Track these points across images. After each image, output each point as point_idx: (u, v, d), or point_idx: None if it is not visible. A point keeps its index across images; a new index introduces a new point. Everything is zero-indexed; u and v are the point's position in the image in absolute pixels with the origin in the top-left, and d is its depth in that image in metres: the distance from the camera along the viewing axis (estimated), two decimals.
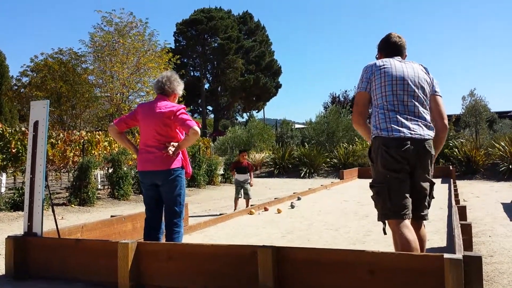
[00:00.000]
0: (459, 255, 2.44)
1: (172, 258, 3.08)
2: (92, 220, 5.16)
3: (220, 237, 5.26)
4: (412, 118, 2.82)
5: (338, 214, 7.06)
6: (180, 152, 3.68)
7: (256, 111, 50.20)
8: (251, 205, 7.71)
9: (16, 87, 19.53)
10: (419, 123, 2.82)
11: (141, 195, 9.51)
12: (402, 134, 2.75)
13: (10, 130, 8.64)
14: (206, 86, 47.24)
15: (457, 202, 6.43)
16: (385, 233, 2.84)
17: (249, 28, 49.13)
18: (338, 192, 11.07)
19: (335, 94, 38.49)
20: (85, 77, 17.92)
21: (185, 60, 43.26)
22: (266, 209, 7.61)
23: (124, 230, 4.65)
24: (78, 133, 10.77)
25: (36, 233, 3.56)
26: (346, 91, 38.07)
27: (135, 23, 18.27)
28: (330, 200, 9.17)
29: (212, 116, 50.91)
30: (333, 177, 16.98)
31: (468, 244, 4.02)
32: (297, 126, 31.27)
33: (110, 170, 10.62)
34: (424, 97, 2.91)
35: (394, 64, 2.93)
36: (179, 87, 3.85)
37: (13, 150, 8.39)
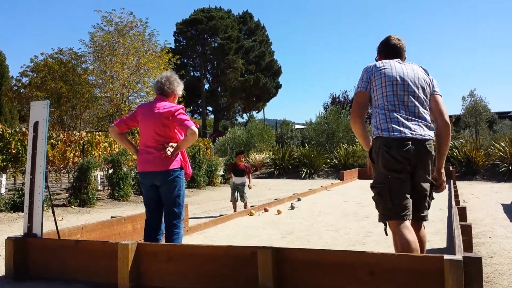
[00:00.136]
0: (459, 256, 2.44)
1: (172, 259, 3.08)
2: (92, 221, 5.16)
3: (220, 238, 5.25)
4: (413, 118, 2.82)
5: (338, 215, 7.06)
6: (179, 152, 3.68)
7: (256, 111, 50.24)
8: (251, 206, 7.70)
9: (16, 88, 19.54)
10: (420, 124, 2.83)
11: (141, 196, 9.51)
12: (403, 134, 2.76)
13: (10, 131, 8.64)
14: (206, 86, 47.24)
15: (457, 203, 6.43)
16: (386, 234, 2.85)
17: (249, 28, 49.14)
18: (338, 193, 11.07)
19: (335, 94, 38.49)
20: (85, 78, 17.92)
21: (185, 60, 43.27)
22: (266, 210, 7.60)
23: (124, 231, 4.65)
24: (78, 133, 10.76)
25: (36, 234, 3.56)
26: (346, 92, 38.06)
27: (135, 23, 18.25)
28: (330, 201, 9.17)
29: (212, 116, 50.91)
30: (333, 178, 16.97)
31: (468, 245, 4.03)
32: (297, 126, 31.28)
33: (110, 171, 10.62)
34: (425, 97, 2.92)
35: (394, 65, 2.95)
36: (179, 88, 3.85)
37: (13, 151, 8.39)
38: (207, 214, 7.83)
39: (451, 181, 11.30)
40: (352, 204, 8.43)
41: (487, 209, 7.66)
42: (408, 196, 2.77)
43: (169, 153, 3.55)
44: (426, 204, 2.92)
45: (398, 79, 2.88)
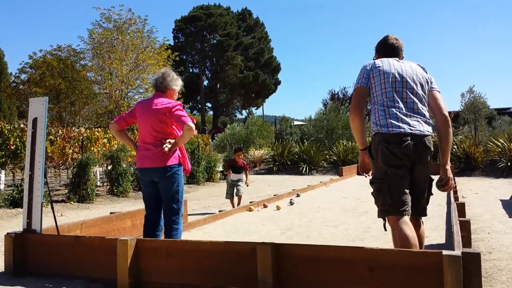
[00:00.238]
0: (458, 251, 2.44)
1: (171, 255, 3.08)
2: (91, 217, 5.16)
3: (219, 234, 5.26)
4: (412, 114, 2.83)
5: (337, 211, 7.07)
6: (178, 149, 3.68)
7: (255, 108, 50.20)
8: (250, 202, 7.71)
9: (15, 84, 19.49)
10: (419, 119, 2.84)
11: (140, 192, 9.52)
12: (402, 130, 2.77)
13: (9, 127, 8.63)
14: (205, 83, 47.15)
15: (456, 198, 6.44)
16: (385, 229, 2.86)
17: (248, 24, 49.02)
18: (337, 189, 11.08)
19: (334, 91, 38.47)
20: (84, 74, 17.88)
21: (184, 57, 43.18)
22: (265, 206, 7.61)
23: (123, 227, 4.65)
24: (77, 130, 10.75)
25: (35, 230, 3.56)
26: (345, 88, 38.03)
27: (134, 20, 18.21)
28: (329, 197, 9.18)
29: (211, 113, 50.84)
30: (332, 174, 16.98)
31: (466, 240, 4.03)
32: (296, 123, 31.31)
33: (109, 167, 10.61)
34: (423, 94, 2.93)
35: (392, 62, 2.98)
36: (173, 82, 3.84)
37: (12, 147, 8.38)
38: (206, 210, 7.84)
39: None
40: (351, 200, 8.45)
41: (486, 205, 7.67)
42: (407, 191, 2.78)
43: (166, 149, 3.55)
44: (425, 200, 2.93)
45: (397, 75, 2.90)
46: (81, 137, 10.27)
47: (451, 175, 2.94)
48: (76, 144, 10.12)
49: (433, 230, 5.19)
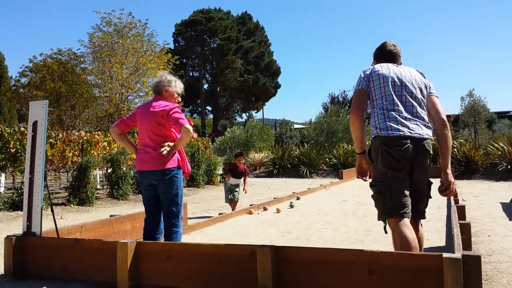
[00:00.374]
0: (458, 254, 2.44)
1: (171, 258, 3.08)
2: (91, 220, 5.16)
3: (219, 237, 5.25)
4: (411, 118, 2.85)
5: (337, 214, 7.06)
6: (177, 151, 3.68)
7: (255, 111, 50.20)
8: (250, 205, 7.70)
9: (15, 87, 19.53)
10: (418, 123, 2.85)
11: (140, 195, 9.52)
12: (401, 133, 2.78)
13: (9, 130, 8.64)
14: (205, 86, 47.18)
15: (456, 201, 6.44)
16: (386, 232, 2.86)
17: (248, 28, 49.10)
18: (337, 192, 11.07)
19: (334, 94, 38.54)
20: (84, 77, 17.92)
21: (184, 61, 43.20)
22: (265, 209, 7.60)
23: (123, 230, 4.65)
24: (77, 133, 10.75)
25: (35, 233, 3.56)
26: (345, 91, 38.09)
27: (134, 23, 18.26)
28: (329, 200, 9.17)
29: (211, 116, 50.84)
30: (333, 177, 16.98)
31: (467, 243, 4.03)
32: (296, 126, 31.31)
33: (109, 170, 10.62)
34: (422, 98, 2.96)
35: (391, 67, 3.01)
36: (169, 84, 3.83)
37: (12, 150, 8.38)
38: (206, 213, 7.83)
39: None
40: (351, 203, 8.44)
41: (486, 208, 7.67)
42: (407, 194, 2.78)
43: (165, 152, 3.55)
44: (424, 203, 2.94)
45: (396, 79, 2.92)
46: (81, 140, 10.28)
47: (452, 180, 2.93)
48: (76, 147, 10.12)
49: (433, 233, 5.18)
